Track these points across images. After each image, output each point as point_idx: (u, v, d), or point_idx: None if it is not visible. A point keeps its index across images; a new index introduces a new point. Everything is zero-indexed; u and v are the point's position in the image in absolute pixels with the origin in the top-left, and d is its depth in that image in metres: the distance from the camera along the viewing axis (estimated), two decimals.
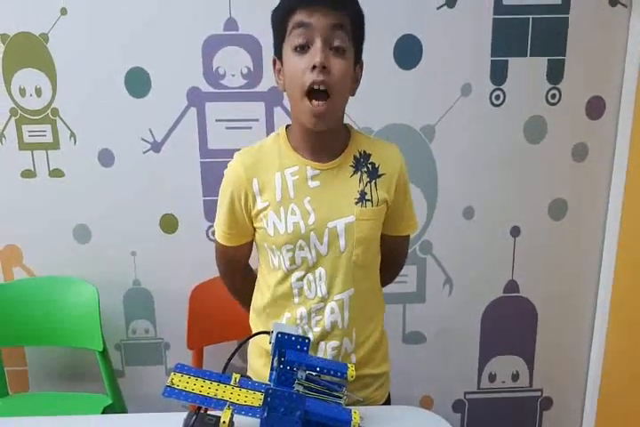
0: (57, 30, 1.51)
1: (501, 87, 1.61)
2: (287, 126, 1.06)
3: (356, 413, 0.87)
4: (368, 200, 1.02)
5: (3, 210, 1.63)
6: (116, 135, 1.59)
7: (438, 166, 1.65)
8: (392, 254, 1.15)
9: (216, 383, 0.85)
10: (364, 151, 1.04)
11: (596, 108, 1.64)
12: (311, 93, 0.93)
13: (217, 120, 1.59)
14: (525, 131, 1.64)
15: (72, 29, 1.52)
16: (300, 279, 1.03)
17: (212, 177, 1.62)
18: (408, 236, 1.18)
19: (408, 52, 1.56)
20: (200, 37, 1.54)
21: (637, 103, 1.57)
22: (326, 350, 1.04)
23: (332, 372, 0.92)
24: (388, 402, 1.17)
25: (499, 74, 1.60)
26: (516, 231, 1.72)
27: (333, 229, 1.00)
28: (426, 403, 1.83)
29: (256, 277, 1.15)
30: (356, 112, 1.49)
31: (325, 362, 0.94)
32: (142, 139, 1.59)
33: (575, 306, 1.79)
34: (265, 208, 1.01)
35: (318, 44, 0.91)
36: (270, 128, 1.59)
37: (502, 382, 1.84)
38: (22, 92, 1.56)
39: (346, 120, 1.06)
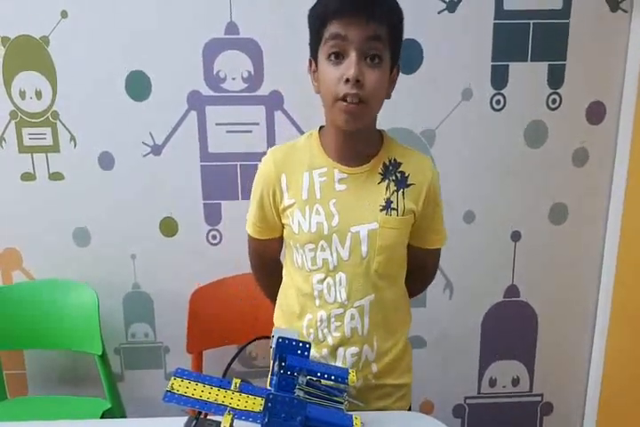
0: (57, 33, 1.51)
1: (502, 92, 1.61)
2: (321, 128, 1.06)
3: (357, 418, 0.87)
4: (394, 209, 1.00)
5: (2, 213, 1.63)
6: (117, 138, 1.59)
7: (439, 170, 1.64)
8: (420, 267, 1.14)
9: (216, 388, 0.85)
10: (395, 159, 1.03)
11: (596, 112, 1.64)
12: (345, 99, 0.92)
13: (217, 124, 1.59)
14: (526, 135, 1.64)
15: (73, 32, 1.52)
16: (321, 282, 1.02)
17: (212, 180, 1.62)
18: (438, 249, 1.16)
19: (409, 56, 1.56)
20: (201, 41, 1.54)
21: (638, 108, 1.57)
22: (345, 357, 1.03)
23: (332, 377, 0.91)
24: None
25: (499, 78, 1.60)
26: (516, 236, 1.72)
27: (356, 234, 0.99)
28: (426, 408, 1.82)
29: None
30: None
31: (326, 367, 0.94)
32: (143, 142, 1.59)
33: (576, 311, 1.78)
34: (291, 205, 1.02)
35: (353, 56, 0.90)
36: (271, 132, 1.59)
37: (503, 387, 1.83)
38: (22, 94, 1.56)
39: None
